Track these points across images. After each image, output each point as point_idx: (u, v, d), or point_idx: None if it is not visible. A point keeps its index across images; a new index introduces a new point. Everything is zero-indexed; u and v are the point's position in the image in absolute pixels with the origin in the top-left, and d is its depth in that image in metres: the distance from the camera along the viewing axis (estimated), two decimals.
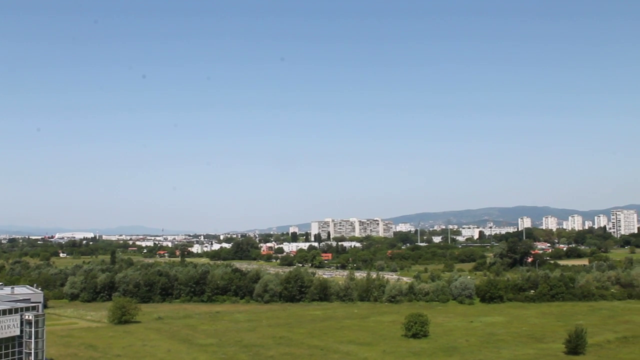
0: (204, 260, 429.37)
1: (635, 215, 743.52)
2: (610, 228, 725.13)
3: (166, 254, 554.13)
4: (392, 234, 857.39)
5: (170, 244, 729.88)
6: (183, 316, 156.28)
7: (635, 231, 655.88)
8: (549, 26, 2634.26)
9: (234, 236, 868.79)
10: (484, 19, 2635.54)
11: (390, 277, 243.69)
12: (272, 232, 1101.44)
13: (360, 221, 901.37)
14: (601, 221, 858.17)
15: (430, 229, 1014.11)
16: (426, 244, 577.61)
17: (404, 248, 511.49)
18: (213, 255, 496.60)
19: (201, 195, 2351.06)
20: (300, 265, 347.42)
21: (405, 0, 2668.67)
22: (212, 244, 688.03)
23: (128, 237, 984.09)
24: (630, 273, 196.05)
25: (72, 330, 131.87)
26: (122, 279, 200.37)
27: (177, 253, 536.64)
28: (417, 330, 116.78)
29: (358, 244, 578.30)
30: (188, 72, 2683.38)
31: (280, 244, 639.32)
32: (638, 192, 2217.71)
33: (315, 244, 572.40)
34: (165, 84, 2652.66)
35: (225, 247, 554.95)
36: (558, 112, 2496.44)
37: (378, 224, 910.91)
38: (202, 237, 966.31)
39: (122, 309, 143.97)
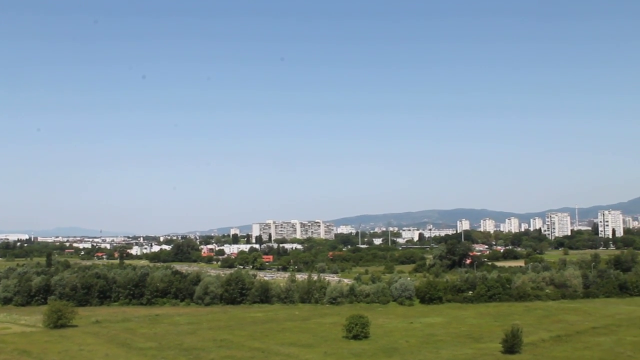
0: (144, 262, 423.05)
1: (568, 217, 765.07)
2: (545, 230, 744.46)
3: (104, 256, 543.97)
4: (333, 235, 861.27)
5: (108, 246, 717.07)
6: (121, 319, 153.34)
7: (569, 233, 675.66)
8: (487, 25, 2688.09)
9: (174, 238, 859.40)
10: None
11: (332, 278, 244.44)
12: (213, 234, 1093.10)
13: (301, 223, 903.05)
14: (537, 223, 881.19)
15: (371, 231, 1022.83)
16: (367, 246, 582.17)
17: (345, 250, 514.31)
18: (153, 257, 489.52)
19: (140, 196, 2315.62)
20: (242, 267, 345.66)
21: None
22: (151, 245, 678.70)
23: (65, 239, 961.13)
24: (564, 274, 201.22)
25: (4, 336, 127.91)
26: (58, 281, 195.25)
27: (116, 255, 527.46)
28: (357, 331, 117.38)
29: (299, 246, 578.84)
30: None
31: (221, 245, 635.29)
32: (572, 195, 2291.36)
33: (257, 246, 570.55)
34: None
35: (165, 249, 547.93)
36: (495, 115, 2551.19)
37: (319, 226, 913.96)
38: (141, 238, 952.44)
39: (58, 312, 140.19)
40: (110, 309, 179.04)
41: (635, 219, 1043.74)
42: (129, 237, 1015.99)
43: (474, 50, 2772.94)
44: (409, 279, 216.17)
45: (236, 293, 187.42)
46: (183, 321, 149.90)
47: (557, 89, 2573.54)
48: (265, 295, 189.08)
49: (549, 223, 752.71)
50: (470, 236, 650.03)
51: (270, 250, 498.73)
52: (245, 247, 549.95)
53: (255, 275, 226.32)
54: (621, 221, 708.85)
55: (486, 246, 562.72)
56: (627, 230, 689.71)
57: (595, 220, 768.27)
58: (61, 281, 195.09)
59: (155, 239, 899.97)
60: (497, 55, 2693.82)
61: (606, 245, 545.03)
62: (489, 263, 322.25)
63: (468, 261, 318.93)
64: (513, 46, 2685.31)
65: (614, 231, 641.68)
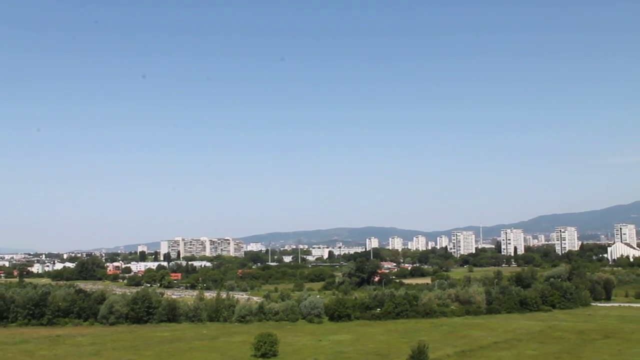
0: (45, 280, 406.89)
1: (473, 236, 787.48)
2: (451, 248, 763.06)
3: (2, 274, 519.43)
4: (243, 253, 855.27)
5: (7, 264, 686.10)
6: (19, 341, 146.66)
7: (473, 251, 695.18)
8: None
9: (79, 255, 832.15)
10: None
11: (241, 296, 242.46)
12: (119, 251, 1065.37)
13: (211, 240, 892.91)
14: (443, 242, 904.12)
15: (281, 249, 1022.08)
16: (277, 264, 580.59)
17: (255, 268, 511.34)
18: (55, 275, 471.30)
19: (43, 211, 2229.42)
20: (149, 285, 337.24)
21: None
22: (54, 263, 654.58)
23: None
24: (468, 290, 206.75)
25: None
26: None
27: (15, 273, 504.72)
28: (266, 350, 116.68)
29: (208, 264, 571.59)
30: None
31: (128, 263, 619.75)
32: (476, 214, 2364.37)
33: (165, 264, 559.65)
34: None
35: (69, 267, 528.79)
36: (402, 133, 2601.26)
37: (229, 243, 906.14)
38: (43, 255, 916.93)
39: None
40: (7, 330, 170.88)
41: (535, 237, 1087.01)
42: (29, 254, 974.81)
43: (382, 66, 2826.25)
44: (318, 296, 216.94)
45: (142, 312, 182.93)
46: (86, 342, 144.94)
47: (470, 105, 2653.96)
48: (172, 314, 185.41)
49: (454, 241, 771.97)
50: (379, 254, 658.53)
51: (178, 268, 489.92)
52: (153, 265, 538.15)
53: (162, 294, 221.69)
54: (522, 239, 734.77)
55: (394, 264, 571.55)
56: (527, 248, 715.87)
57: (498, 239, 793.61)
58: None
59: (59, 256, 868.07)
60: (404, 70, 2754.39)
61: (508, 263, 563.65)
62: (397, 280, 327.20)
63: (377, 279, 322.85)
64: (425, 61, 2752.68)
65: (515, 249, 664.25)
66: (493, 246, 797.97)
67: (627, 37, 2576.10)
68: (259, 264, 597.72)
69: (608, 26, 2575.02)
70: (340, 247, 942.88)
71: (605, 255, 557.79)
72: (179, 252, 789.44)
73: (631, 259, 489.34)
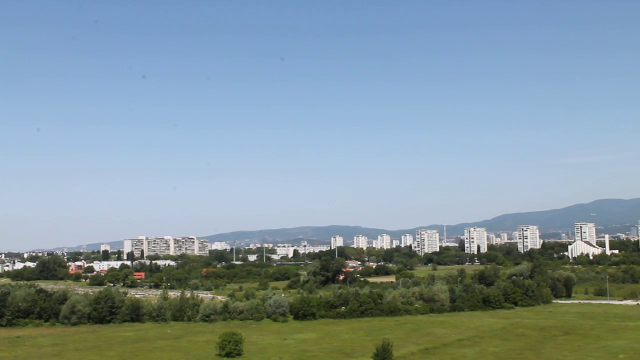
0: (5, 280, 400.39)
1: (437, 234, 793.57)
2: (415, 247, 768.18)
3: None
4: (207, 252, 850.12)
5: None
6: None
7: (438, 249, 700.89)
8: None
9: (40, 254, 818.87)
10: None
11: (205, 296, 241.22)
12: (82, 250, 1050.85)
13: (175, 239, 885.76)
14: (407, 240, 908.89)
15: (246, 248, 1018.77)
16: (242, 263, 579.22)
17: (220, 266, 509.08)
18: (15, 275, 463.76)
19: (3, 209, 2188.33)
20: (112, 284, 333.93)
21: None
22: (14, 262, 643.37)
23: None
24: (432, 289, 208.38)
25: None
26: None
27: None
28: (231, 349, 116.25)
29: (173, 263, 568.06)
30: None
31: (90, 262, 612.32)
32: (440, 213, 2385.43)
33: (128, 263, 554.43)
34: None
35: (30, 266, 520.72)
36: (366, 132, 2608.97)
37: (193, 242, 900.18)
38: (2, 255, 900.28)
39: None
40: None
41: (498, 236, 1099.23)
42: None
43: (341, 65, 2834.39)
44: (283, 295, 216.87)
45: (105, 312, 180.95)
46: (47, 342, 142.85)
47: (434, 104, 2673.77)
48: (136, 314, 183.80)
49: (419, 240, 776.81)
50: (344, 252, 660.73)
51: (142, 267, 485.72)
52: (116, 264, 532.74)
53: (126, 293, 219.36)
54: (485, 238, 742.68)
55: (359, 262, 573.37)
56: (490, 247, 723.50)
57: (462, 237, 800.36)
58: None
59: (19, 256, 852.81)
60: (368, 69, 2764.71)
61: (471, 261, 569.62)
62: (362, 279, 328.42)
63: (341, 277, 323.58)
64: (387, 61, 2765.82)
65: (478, 247, 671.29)
66: (457, 245, 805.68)
67: (587, 36, 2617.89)
68: (223, 262, 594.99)
69: (569, 25, 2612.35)
70: (305, 246, 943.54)
71: (566, 253, 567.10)
72: (142, 251, 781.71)
73: (591, 257, 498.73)
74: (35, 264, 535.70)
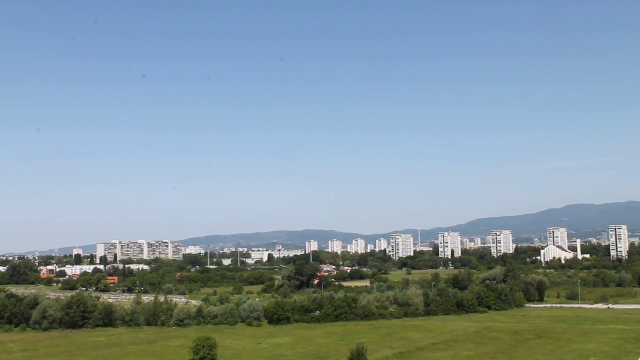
0: None
1: (411, 239, 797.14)
2: (390, 251, 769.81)
3: None
4: (182, 256, 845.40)
5: None
6: None
7: (412, 254, 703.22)
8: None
9: (11, 258, 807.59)
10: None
11: (179, 300, 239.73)
12: (54, 254, 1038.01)
13: (149, 243, 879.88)
14: (382, 245, 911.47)
15: (221, 252, 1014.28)
16: (216, 267, 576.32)
17: (194, 271, 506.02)
18: None
19: None
20: (84, 289, 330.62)
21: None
22: None
23: None
24: (407, 293, 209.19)
25: None
26: None
27: None
28: (205, 354, 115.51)
29: (146, 267, 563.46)
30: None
31: (62, 266, 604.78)
32: (414, 218, 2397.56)
33: (101, 267, 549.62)
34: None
35: (0, 271, 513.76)
36: (342, 137, 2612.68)
37: (167, 246, 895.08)
38: None
39: None
40: None
41: (472, 241, 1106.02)
42: None
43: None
44: (257, 299, 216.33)
45: (78, 316, 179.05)
46: (17, 348, 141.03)
47: (408, 108, 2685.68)
48: (109, 319, 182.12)
49: (393, 244, 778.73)
50: (319, 257, 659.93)
51: (115, 272, 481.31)
52: (89, 268, 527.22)
53: (98, 298, 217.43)
54: (459, 242, 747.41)
55: (334, 267, 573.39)
56: (464, 251, 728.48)
57: (436, 242, 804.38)
58: None
59: None
60: (342, 73, 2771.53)
61: (446, 265, 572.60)
62: (337, 283, 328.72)
63: (316, 281, 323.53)
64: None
65: (452, 252, 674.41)
66: (431, 249, 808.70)
67: (560, 41, 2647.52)
68: (197, 267, 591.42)
69: (541, 29, 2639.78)
70: (280, 250, 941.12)
71: (539, 258, 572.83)
72: (116, 255, 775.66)
73: (563, 261, 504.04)
74: (5, 268, 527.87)
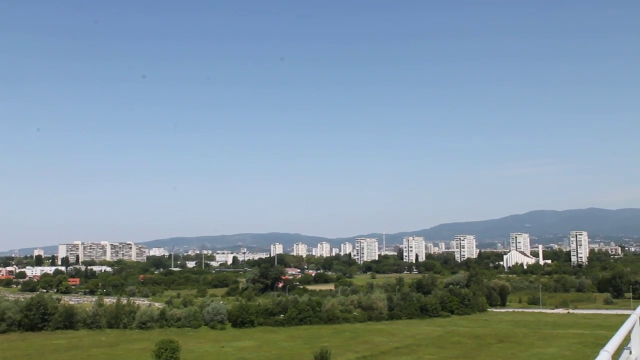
0: None
1: (376, 243, 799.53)
2: (354, 255, 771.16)
3: None
4: (145, 258, 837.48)
5: None
6: None
7: (376, 258, 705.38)
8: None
9: None
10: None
11: (142, 302, 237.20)
12: (14, 255, 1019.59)
13: (112, 244, 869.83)
14: (347, 248, 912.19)
15: (185, 254, 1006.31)
16: (180, 269, 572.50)
17: (157, 273, 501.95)
18: None
19: None
20: (45, 290, 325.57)
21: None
22: None
23: None
24: (371, 297, 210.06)
25: None
26: None
27: None
28: (167, 357, 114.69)
29: (109, 269, 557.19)
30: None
31: (22, 267, 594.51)
32: (379, 222, 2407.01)
33: (63, 268, 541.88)
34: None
35: None
36: (306, 142, 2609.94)
37: (131, 247, 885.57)
38: None
39: None
40: None
41: (436, 245, 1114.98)
42: None
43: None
44: (221, 302, 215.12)
45: (37, 319, 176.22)
46: None
47: (374, 109, 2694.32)
48: (69, 321, 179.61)
49: (358, 248, 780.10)
50: (284, 260, 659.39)
51: (77, 273, 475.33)
52: (50, 270, 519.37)
53: (59, 300, 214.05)
54: (423, 247, 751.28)
55: (298, 270, 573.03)
56: (428, 256, 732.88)
57: (400, 246, 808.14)
58: None
59: None
60: (308, 76, 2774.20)
61: (410, 270, 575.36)
62: (301, 287, 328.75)
63: (280, 285, 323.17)
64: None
65: (417, 256, 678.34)
66: (395, 253, 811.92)
67: (522, 44, 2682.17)
68: (161, 269, 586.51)
69: (503, 33, 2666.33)
70: (244, 253, 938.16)
71: (502, 263, 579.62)
72: (78, 257, 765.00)
73: (525, 267, 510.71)
74: None
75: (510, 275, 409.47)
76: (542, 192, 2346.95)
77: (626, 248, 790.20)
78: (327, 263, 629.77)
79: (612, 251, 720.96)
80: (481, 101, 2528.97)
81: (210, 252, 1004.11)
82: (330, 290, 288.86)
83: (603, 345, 8.60)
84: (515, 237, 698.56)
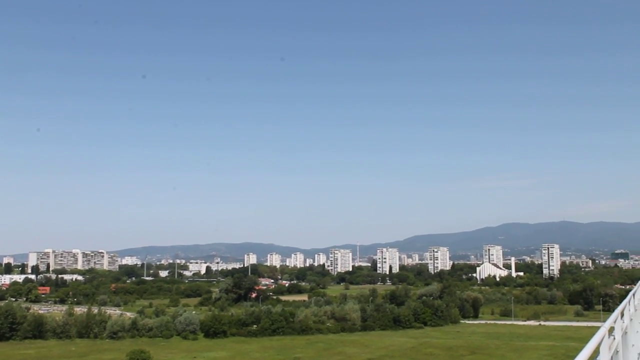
0: None
1: (350, 254, 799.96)
2: (328, 266, 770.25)
3: None
4: (117, 267, 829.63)
5: None
6: None
7: (350, 269, 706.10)
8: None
9: None
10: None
11: (113, 312, 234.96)
12: None
13: (84, 253, 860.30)
14: (321, 259, 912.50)
15: (158, 263, 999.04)
16: (152, 278, 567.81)
17: (129, 282, 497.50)
18: None
19: None
20: (14, 299, 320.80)
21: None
22: None
23: None
24: (344, 308, 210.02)
25: None
26: None
27: None
28: None
29: (80, 277, 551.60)
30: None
31: None
32: (353, 233, 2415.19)
33: (33, 277, 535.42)
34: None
35: None
36: (281, 152, 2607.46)
37: (103, 256, 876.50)
38: None
39: None
40: None
41: (409, 257, 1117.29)
42: None
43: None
44: (194, 312, 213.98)
45: (5, 328, 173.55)
46: None
47: (350, 121, 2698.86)
48: (38, 330, 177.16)
49: (332, 259, 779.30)
50: (257, 270, 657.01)
51: (47, 282, 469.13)
52: (20, 278, 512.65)
53: (28, 308, 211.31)
54: (397, 258, 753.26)
55: (272, 280, 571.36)
56: (402, 267, 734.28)
57: (374, 257, 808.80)
58: None
59: None
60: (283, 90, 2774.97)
61: (383, 281, 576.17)
62: (274, 297, 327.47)
63: (254, 295, 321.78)
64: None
65: (390, 267, 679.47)
66: (369, 264, 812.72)
67: (497, 63, 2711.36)
68: (133, 278, 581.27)
69: (470, 48, 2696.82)
70: (218, 263, 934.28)
71: (475, 275, 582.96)
72: (48, 265, 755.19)
73: (497, 279, 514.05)
74: None
75: (482, 287, 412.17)
76: (515, 205, 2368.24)
77: (597, 261, 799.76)
78: (300, 273, 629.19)
79: (583, 264, 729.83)
80: (454, 116, 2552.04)
81: (183, 261, 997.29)
82: (304, 301, 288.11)
83: (573, 357, 8.61)
84: (488, 250, 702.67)
